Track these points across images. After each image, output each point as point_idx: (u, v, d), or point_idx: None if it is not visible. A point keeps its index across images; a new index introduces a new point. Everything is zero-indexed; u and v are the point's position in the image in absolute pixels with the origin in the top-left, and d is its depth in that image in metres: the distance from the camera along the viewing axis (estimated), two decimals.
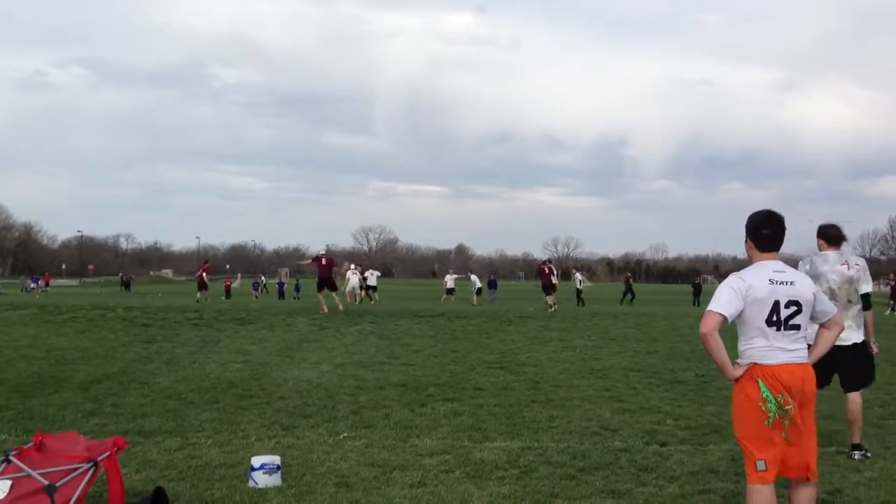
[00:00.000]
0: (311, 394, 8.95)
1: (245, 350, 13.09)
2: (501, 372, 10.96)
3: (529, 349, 13.71)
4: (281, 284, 53.33)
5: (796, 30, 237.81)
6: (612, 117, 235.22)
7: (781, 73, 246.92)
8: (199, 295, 33.34)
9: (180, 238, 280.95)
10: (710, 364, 4.65)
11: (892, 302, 35.03)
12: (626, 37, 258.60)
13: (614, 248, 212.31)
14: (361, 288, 30.78)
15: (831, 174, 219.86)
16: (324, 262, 21.79)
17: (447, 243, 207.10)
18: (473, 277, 39.91)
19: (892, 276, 41.11)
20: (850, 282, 6.36)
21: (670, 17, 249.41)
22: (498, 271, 55.88)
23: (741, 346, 4.14)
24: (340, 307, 20.86)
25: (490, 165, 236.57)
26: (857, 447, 6.28)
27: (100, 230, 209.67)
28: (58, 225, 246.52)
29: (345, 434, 6.88)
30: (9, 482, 4.28)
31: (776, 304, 4.03)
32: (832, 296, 6.26)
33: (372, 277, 33.56)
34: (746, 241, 4.26)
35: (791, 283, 4.09)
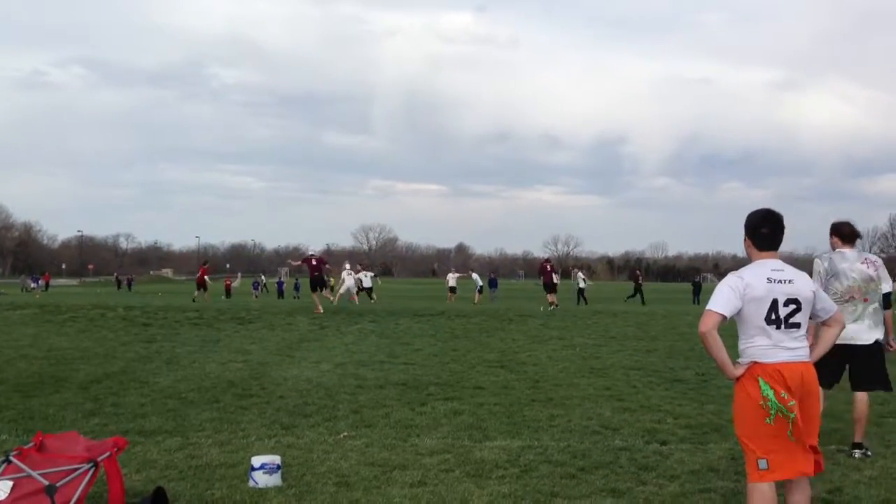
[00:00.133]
0: (312, 393, 8.95)
1: (245, 349, 13.09)
2: (502, 371, 10.96)
3: (530, 348, 13.71)
4: (280, 284, 53.30)
5: (795, 29, 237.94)
6: (612, 116, 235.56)
7: (781, 72, 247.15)
8: (196, 294, 33.44)
9: (180, 238, 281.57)
10: (711, 362, 4.66)
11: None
12: (625, 36, 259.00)
13: (614, 247, 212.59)
14: (359, 290, 30.59)
15: (831, 172, 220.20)
16: (313, 262, 21.92)
17: (447, 242, 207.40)
18: (475, 276, 39.85)
19: None
20: (870, 280, 6.28)
21: (670, 17, 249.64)
22: (498, 270, 55.78)
23: (741, 345, 4.15)
24: (329, 303, 20.74)
25: (490, 164, 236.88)
26: (857, 446, 6.27)
27: (100, 230, 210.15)
28: (58, 225, 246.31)
29: (345, 433, 6.88)
30: (9, 482, 4.28)
31: (774, 302, 4.03)
32: (851, 294, 6.21)
33: (366, 279, 33.11)
34: (745, 239, 4.27)
35: (790, 281, 4.09)
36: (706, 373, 10.66)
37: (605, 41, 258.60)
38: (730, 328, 4.15)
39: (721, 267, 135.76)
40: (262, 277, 60.36)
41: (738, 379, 4.10)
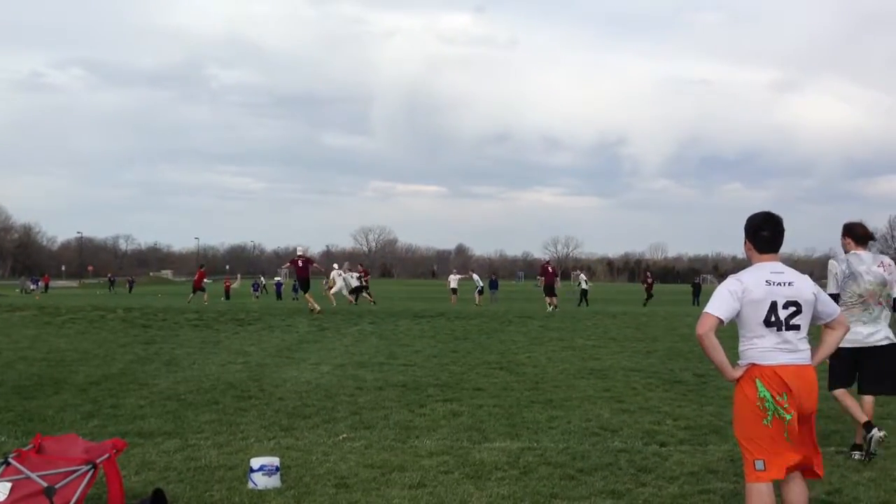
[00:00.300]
0: (311, 395, 8.95)
1: (244, 351, 13.09)
2: (501, 372, 10.95)
3: (529, 349, 13.71)
4: (279, 285, 53.28)
5: (795, 30, 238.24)
6: (611, 117, 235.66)
7: (780, 72, 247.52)
8: (191, 296, 33.56)
9: (180, 239, 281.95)
10: (710, 364, 4.65)
11: None
12: (625, 37, 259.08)
13: (614, 248, 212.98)
14: (350, 292, 30.47)
15: (830, 174, 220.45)
16: (300, 263, 22.08)
17: (447, 243, 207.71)
18: (475, 277, 39.84)
19: None
20: (884, 284, 6.22)
21: (669, 17, 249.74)
22: (498, 271, 55.82)
23: (741, 347, 4.15)
24: (312, 306, 20.68)
25: (489, 165, 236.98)
26: (857, 447, 6.26)
27: (99, 231, 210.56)
28: (57, 226, 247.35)
29: (344, 435, 6.88)
30: (8, 484, 4.28)
31: (773, 304, 4.03)
32: (867, 297, 6.15)
33: (352, 279, 32.83)
34: (746, 242, 4.27)
35: (789, 283, 4.09)
36: (705, 374, 10.67)
37: (604, 41, 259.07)
38: (731, 330, 4.15)
39: (721, 268, 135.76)
40: (262, 279, 60.37)
41: (737, 381, 4.11)
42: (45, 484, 4.27)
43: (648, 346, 14.25)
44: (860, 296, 6.19)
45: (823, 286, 4.49)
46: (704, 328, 4.02)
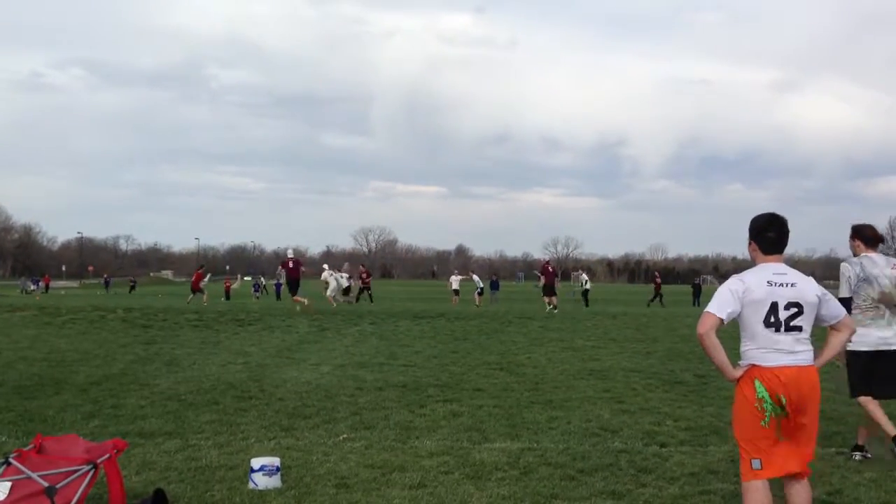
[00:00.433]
0: (311, 395, 8.95)
1: (245, 351, 13.09)
2: (501, 373, 10.96)
3: (529, 350, 13.71)
4: (278, 285, 53.16)
5: (795, 30, 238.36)
6: (611, 117, 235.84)
7: (780, 72, 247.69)
8: (190, 297, 33.58)
9: (180, 239, 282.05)
10: (710, 365, 4.65)
11: None
12: (624, 37, 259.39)
13: (614, 249, 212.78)
14: (344, 292, 30.47)
15: (830, 174, 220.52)
16: (290, 264, 22.40)
17: (447, 244, 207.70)
18: (476, 278, 39.80)
19: None
20: None
21: (669, 18, 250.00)
22: (498, 272, 55.83)
23: (742, 348, 4.15)
24: (298, 308, 21.01)
25: (489, 166, 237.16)
26: (858, 448, 6.25)
27: (99, 231, 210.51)
28: (57, 226, 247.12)
29: (344, 435, 6.88)
30: (9, 484, 4.28)
31: (774, 305, 4.03)
32: (881, 300, 6.06)
33: (342, 280, 32.74)
34: (750, 243, 4.26)
35: (792, 284, 4.08)
36: (706, 375, 10.67)
37: (605, 42, 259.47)
38: (732, 330, 4.15)
39: (721, 269, 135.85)
40: (262, 279, 60.33)
41: (737, 381, 4.11)
42: (45, 484, 4.28)
43: (648, 347, 14.25)
44: (875, 299, 6.09)
45: (827, 287, 4.46)
46: (705, 327, 4.02)
